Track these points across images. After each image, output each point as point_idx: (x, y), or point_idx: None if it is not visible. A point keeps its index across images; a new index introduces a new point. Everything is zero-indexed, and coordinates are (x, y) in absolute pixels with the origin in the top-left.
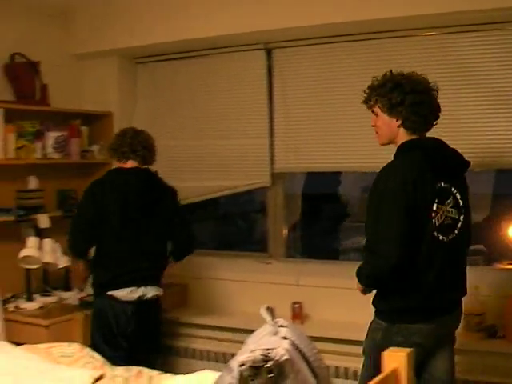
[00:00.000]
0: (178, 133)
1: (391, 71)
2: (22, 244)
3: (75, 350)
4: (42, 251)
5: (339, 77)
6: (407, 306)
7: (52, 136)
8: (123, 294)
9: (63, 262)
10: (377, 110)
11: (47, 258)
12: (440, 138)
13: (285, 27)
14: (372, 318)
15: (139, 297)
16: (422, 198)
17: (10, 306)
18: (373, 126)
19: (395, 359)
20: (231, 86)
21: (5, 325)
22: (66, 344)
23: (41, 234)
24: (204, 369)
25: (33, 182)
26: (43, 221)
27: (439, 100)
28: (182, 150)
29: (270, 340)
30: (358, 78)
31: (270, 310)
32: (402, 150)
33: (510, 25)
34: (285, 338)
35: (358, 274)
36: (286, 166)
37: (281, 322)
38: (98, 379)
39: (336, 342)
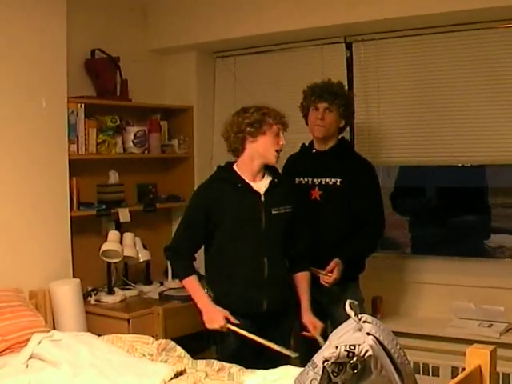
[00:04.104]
0: None
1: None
2: (103, 238)
3: (156, 348)
4: (123, 245)
5: (419, 70)
6: None
7: (132, 131)
8: None
9: (143, 255)
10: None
11: (128, 252)
12: None
13: (365, 20)
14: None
15: None
16: None
17: (91, 299)
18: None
19: (479, 356)
20: (311, 80)
21: (86, 317)
22: (150, 340)
23: (121, 227)
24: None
25: (113, 177)
26: (124, 215)
27: None
28: None
29: (354, 336)
30: (439, 72)
31: (354, 306)
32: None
33: None
34: (369, 334)
35: (368, 249)
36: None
37: (365, 317)
38: (179, 373)
39: (415, 337)
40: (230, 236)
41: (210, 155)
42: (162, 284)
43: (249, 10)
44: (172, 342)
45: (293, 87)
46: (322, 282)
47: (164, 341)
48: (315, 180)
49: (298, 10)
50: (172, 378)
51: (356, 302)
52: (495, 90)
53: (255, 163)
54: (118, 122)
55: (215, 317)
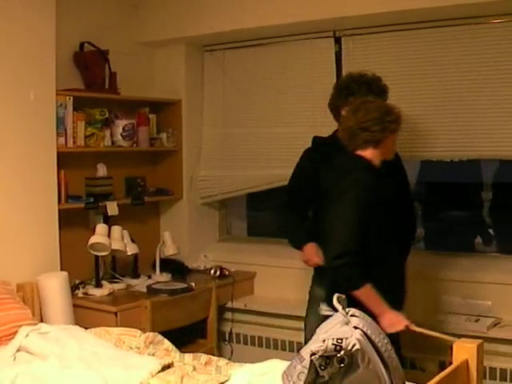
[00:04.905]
0: (247, 120)
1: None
2: (91, 231)
3: (143, 341)
4: (111, 238)
5: (408, 65)
6: None
7: (121, 124)
8: None
9: (131, 249)
10: None
11: (115, 245)
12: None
13: (354, 15)
14: None
15: None
16: None
17: (79, 292)
18: None
19: (466, 350)
20: (300, 74)
21: (74, 310)
22: (137, 333)
23: (109, 221)
24: (271, 357)
25: (101, 170)
26: (112, 208)
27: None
28: (251, 138)
29: (341, 330)
30: (428, 67)
31: (341, 300)
32: None
33: None
34: (356, 328)
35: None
36: None
37: (352, 311)
38: (167, 366)
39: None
40: (381, 231)
41: (198, 149)
42: (149, 277)
43: (238, 3)
44: (159, 335)
45: (282, 81)
46: None
47: (151, 334)
48: None
49: (288, 3)
50: (159, 371)
51: (344, 296)
52: (485, 85)
53: (380, 159)
54: (107, 115)
55: (397, 320)
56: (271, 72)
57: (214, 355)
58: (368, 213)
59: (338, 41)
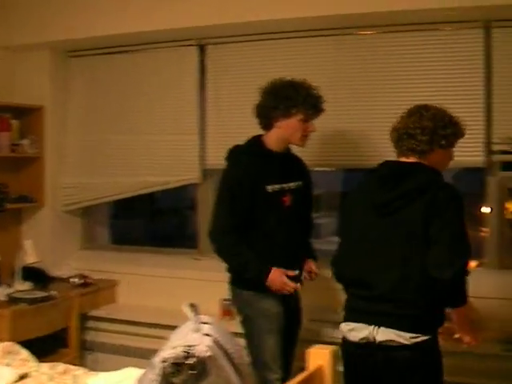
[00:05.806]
0: (111, 127)
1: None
2: None
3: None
4: None
5: (271, 74)
6: None
7: None
8: None
9: None
10: None
11: None
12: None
13: (217, 24)
14: None
15: None
16: None
17: None
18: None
19: (320, 356)
20: (164, 82)
21: None
22: None
23: None
24: (132, 365)
25: None
26: None
27: (369, 101)
28: (114, 145)
29: (192, 337)
30: (293, 76)
31: (194, 307)
32: None
33: (445, 25)
34: (207, 335)
35: None
36: (217, 163)
37: (204, 318)
38: (23, 377)
39: None
40: None
41: (61, 155)
42: (10, 286)
43: (101, 10)
44: (16, 345)
45: (149, 88)
46: (312, 279)
47: (8, 344)
48: (284, 185)
49: (154, 11)
50: (16, 382)
51: (196, 304)
52: (348, 96)
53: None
54: None
55: (477, 328)
56: (136, 79)
57: (76, 365)
58: None
59: (202, 49)
